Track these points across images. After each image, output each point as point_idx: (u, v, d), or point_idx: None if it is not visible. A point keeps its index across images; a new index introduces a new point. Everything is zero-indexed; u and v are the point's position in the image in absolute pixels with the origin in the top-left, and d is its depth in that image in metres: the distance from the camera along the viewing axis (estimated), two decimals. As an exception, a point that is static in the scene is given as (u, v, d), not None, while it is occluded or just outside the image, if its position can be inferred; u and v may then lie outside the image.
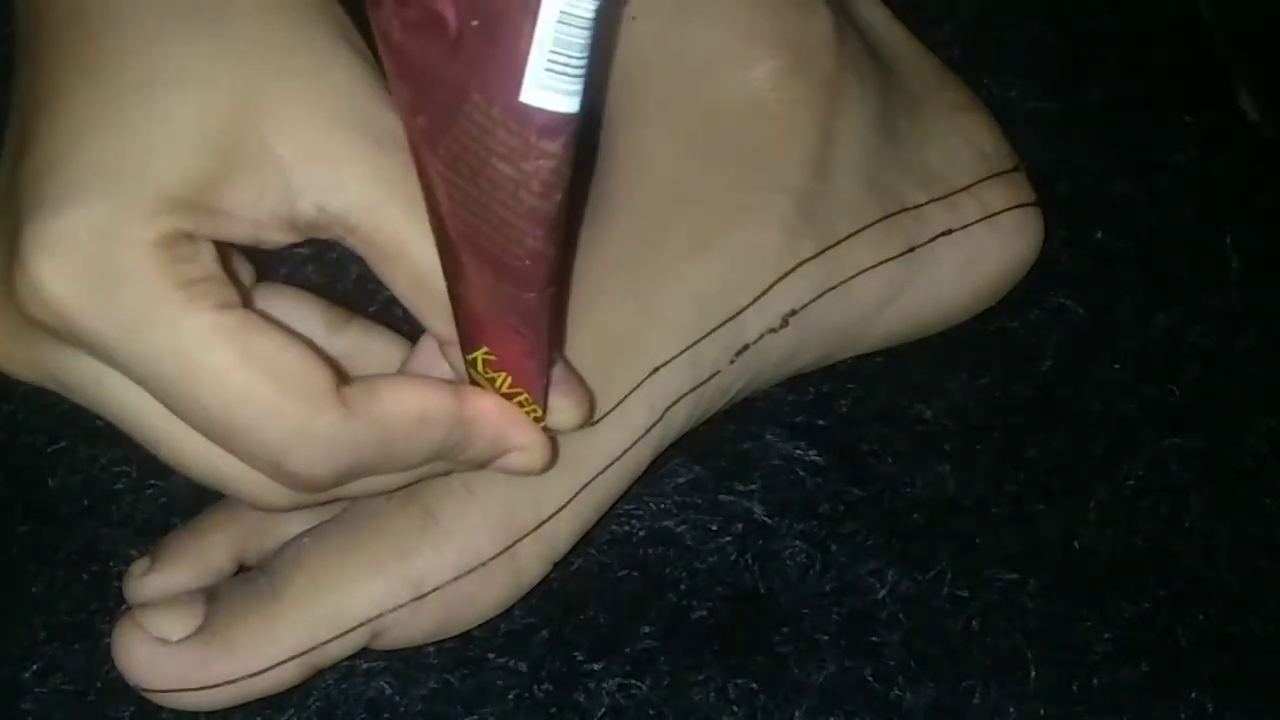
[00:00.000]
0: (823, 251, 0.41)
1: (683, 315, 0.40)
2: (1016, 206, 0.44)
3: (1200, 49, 0.54)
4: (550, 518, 0.39)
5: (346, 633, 0.37)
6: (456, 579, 0.38)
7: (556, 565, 0.40)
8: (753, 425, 0.45)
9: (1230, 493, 0.45)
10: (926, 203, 0.43)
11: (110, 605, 0.42)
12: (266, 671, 0.37)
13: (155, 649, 0.37)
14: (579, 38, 0.28)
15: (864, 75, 0.42)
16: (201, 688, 0.37)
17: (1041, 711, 0.42)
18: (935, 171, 0.43)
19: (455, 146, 0.29)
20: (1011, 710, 0.42)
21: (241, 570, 0.40)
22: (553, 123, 0.28)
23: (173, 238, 0.30)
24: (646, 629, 0.42)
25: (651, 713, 0.41)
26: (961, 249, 0.43)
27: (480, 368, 0.34)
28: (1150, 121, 0.51)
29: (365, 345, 0.39)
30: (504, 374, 0.34)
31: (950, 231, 0.43)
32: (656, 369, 0.40)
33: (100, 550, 0.43)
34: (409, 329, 0.47)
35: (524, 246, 0.31)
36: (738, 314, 0.40)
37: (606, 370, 0.39)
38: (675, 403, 0.40)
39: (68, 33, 0.31)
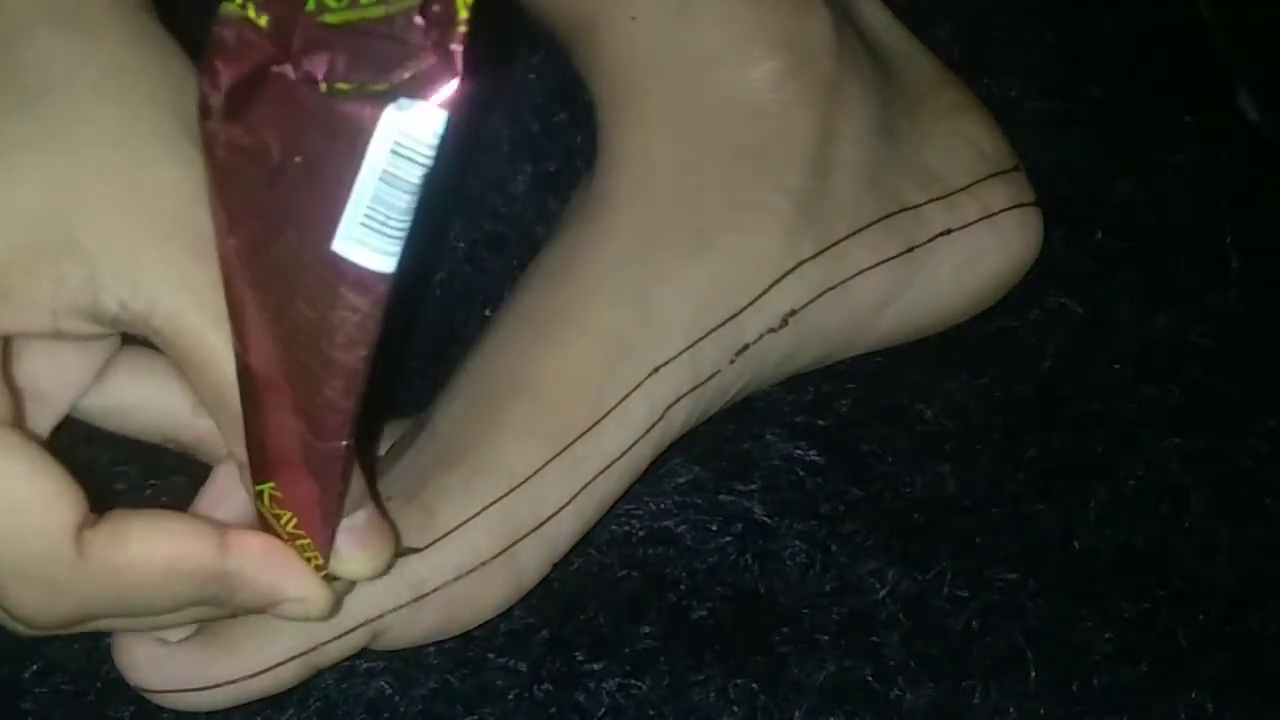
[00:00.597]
0: (822, 251, 0.41)
1: (683, 315, 0.40)
2: (1016, 206, 0.44)
3: (1200, 49, 0.54)
4: (550, 518, 0.39)
5: (346, 633, 0.37)
6: (456, 579, 0.38)
7: (556, 565, 0.40)
8: (753, 425, 0.45)
9: (1230, 493, 0.45)
10: (926, 203, 0.43)
11: (110, 605, 0.42)
12: (266, 672, 0.37)
13: (155, 649, 0.37)
14: (401, 200, 0.27)
15: (863, 75, 0.42)
16: (201, 688, 0.37)
17: (1041, 711, 0.42)
18: (935, 171, 0.43)
19: (265, 277, 0.28)
20: (1011, 710, 0.42)
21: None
22: (363, 278, 0.27)
23: None
24: (646, 629, 0.42)
25: (651, 713, 0.41)
26: (961, 249, 0.44)
27: (267, 502, 0.32)
28: (1150, 121, 0.51)
29: None
30: (290, 514, 0.32)
31: (950, 231, 0.43)
32: (657, 369, 0.40)
33: (100, 550, 0.43)
34: (404, 331, 0.47)
35: (321, 395, 0.29)
36: (738, 314, 0.41)
37: (607, 370, 0.40)
38: (675, 402, 0.40)
39: None
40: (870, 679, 0.42)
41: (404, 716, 0.41)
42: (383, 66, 0.26)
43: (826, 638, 0.42)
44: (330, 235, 0.27)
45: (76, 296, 0.30)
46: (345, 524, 0.33)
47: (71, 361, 0.34)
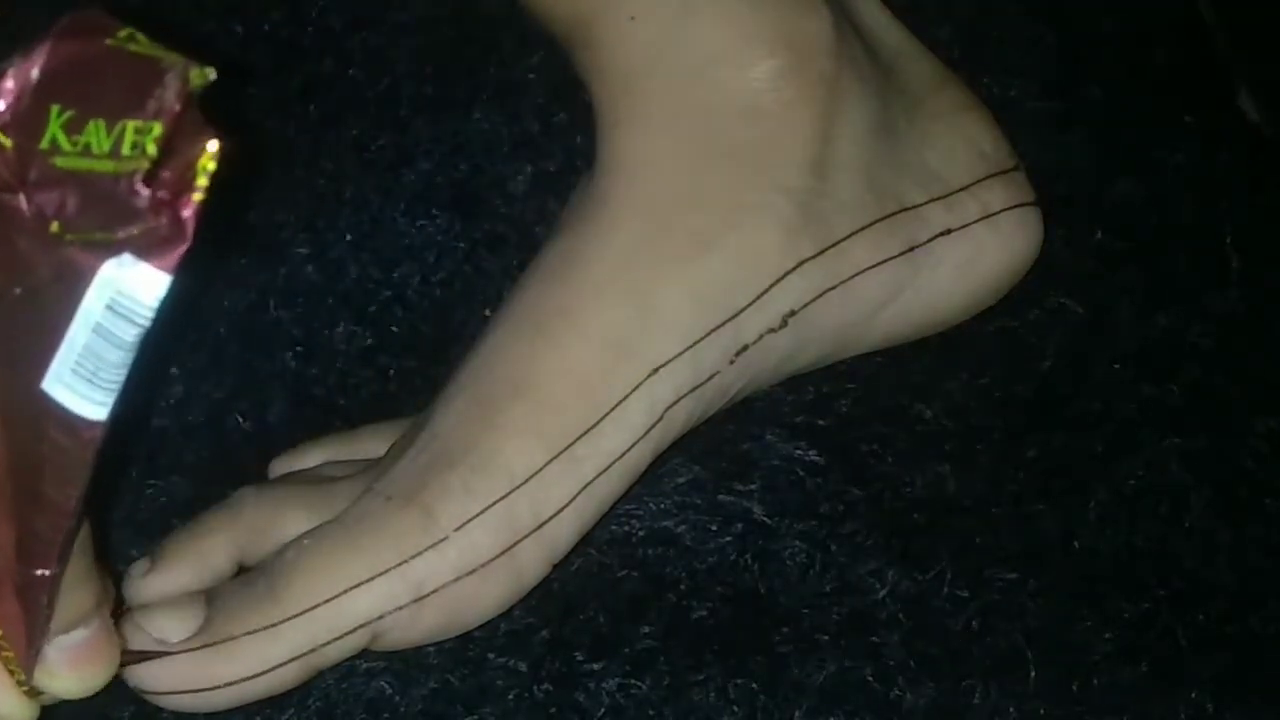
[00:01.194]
0: (822, 251, 0.41)
1: (682, 316, 0.40)
2: (1016, 206, 0.44)
3: (1200, 49, 0.54)
4: (550, 518, 0.39)
5: (346, 634, 0.37)
6: (456, 580, 0.38)
7: (557, 566, 0.40)
8: (753, 425, 0.45)
9: (1230, 493, 0.45)
10: (926, 202, 0.43)
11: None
12: (266, 673, 0.37)
13: (155, 650, 0.37)
14: (114, 355, 0.26)
15: (863, 75, 0.42)
16: (201, 689, 0.37)
17: (1041, 711, 0.42)
18: (935, 171, 0.43)
19: None
20: (1011, 710, 0.42)
21: (241, 572, 0.40)
22: (72, 422, 0.27)
23: None
24: (646, 629, 0.42)
25: (651, 713, 0.41)
26: (961, 248, 0.43)
27: None
28: (1150, 121, 0.51)
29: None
30: None
31: (950, 231, 0.43)
32: (656, 369, 0.40)
33: (100, 550, 0.43)
34: (405, 331, 0.47)
35: (31, 523, 0.29)
36: (737, 314, 0.41)
37: (607, 370, 0.40)
38: (675, 403, 0.40)
39: None
40: (870, 679, 0.42)
41: (404, 716, 0.41)
42: (111, 219, 0.25)
43: (826, 638, 0.42)
44: (40, 374, 0.26)
45: None
46: (63, 640, 0.33)
47: None
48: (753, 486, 0.44)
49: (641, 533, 0.44)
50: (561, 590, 0.42)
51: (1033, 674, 0.42)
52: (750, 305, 0.41)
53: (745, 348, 0.41)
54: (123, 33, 0.26)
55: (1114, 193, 0.50)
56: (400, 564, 0.38)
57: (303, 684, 0.38)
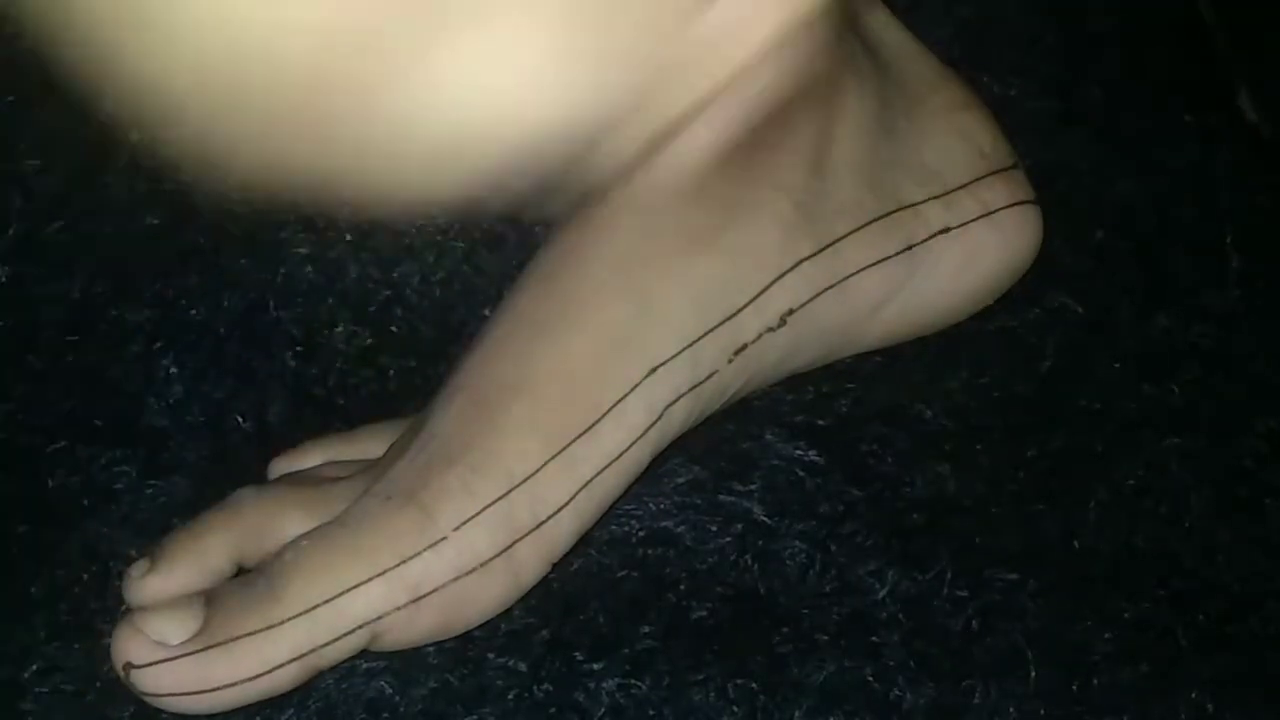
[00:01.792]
0: (821, 250, 0.41)
1: (681, 315, 0.40)
2: (1015, 204, 0.44)
3: (1200, 49, 0.54)
4: (549, 518, 0.39)
5: (345, 635, 0.37)
6: (455, 580, 0.38)
7: (555, 565, 0.40)
8: (752, 425, 0.45)
9: (1230, 493, 0.45)
10: (925, 201, 0.43)
11: (110, 605, 0.42)
12: (266, 674, 0.37)
13: (155, 652, 0.37)
14: None
15: (862, 74, 0.42)
16: (200, 691, 0.37)
17: (1041, 711, 0.42)
18: (934, 170, 0.43)
19: None
20: (1011, 710, 0.42)
21: (240, 572, 0.40)
22: None
23: None
24: (646, 629, 0.42)
25: (651, 713, 0.41)
26: (960, 247, 0.44)
27: None
28: (1150, 121, 0.51)
29: None
30: None
31: (949, 230, 0.43)
32: (655, 369, 0.40)
33: (100, 550, 0.43)
34: (405, 331, 0.47)
35: None
36: (736, 313, 0.40)
37: (605, 370, 0.39)
38: (674, 402, 0.40)
39: None
40: (870, 679, 0.42)
41: (404, 716, 0.41)
42: None
43: (826, 638, 0.42)
44: None
45: None
46: None
47: None
48: (753, 486, 0.44)
49: (641, 533, 0.44)
50: (561, 590, 0.42)
51: (1033, 674, 0.42)
52: (749, 304, 0.41)
53: (744, 347, 0.41)
54: None
55: (1114, 192, 0.50)
56: (399, 564, 0.38)
57: (302, 684, 0.38)
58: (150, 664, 0.37)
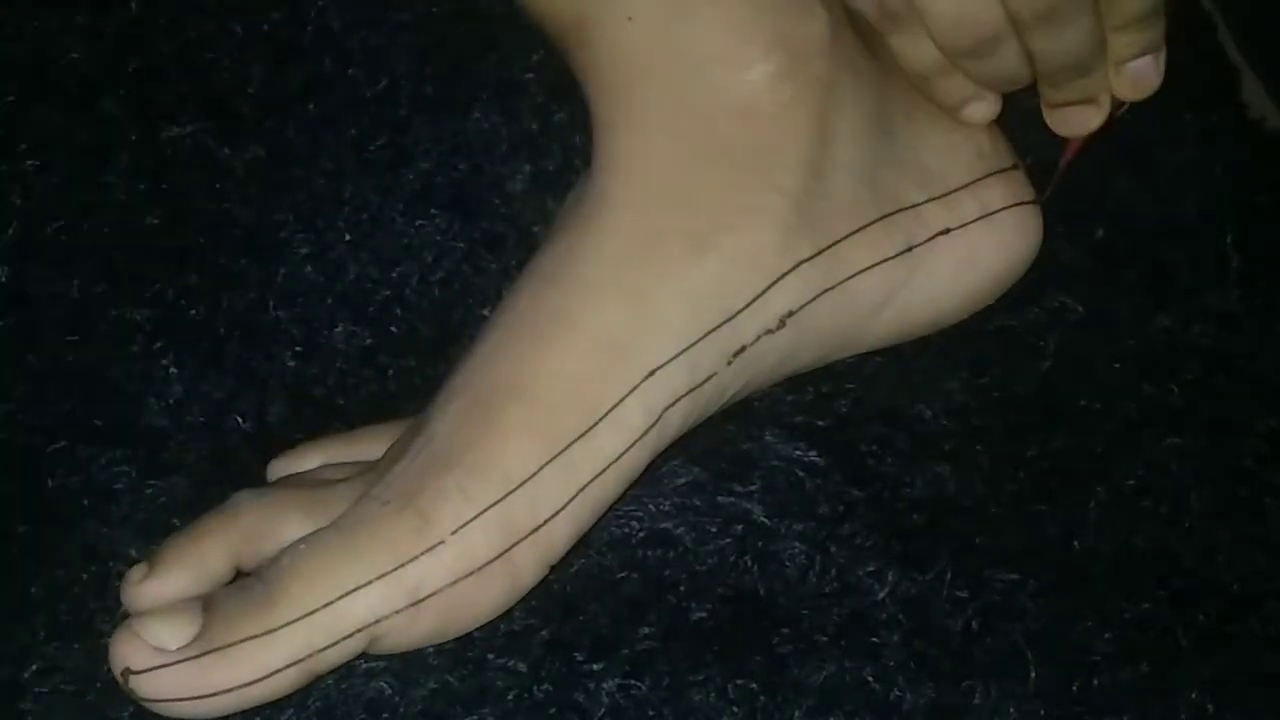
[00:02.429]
0: (820, 252, 0.41)
1: (679, 317, 0.40)
2: (1015, 205, 0.44)
3: (1200, 48, 0.54)
4: (547, 521, 0.39)
5: (343, 639, 0.37)
6: (453, 583, 0.38)
7: (554, 568, 0.40)
8: (752, 426, 0.45)
9: (1230, 493, 0.45)
10: (924, 202, 0.43)
11: (110, 605, 0.42)
12: (264, 679, 0.37)
13: (153, 657, 0.37)
14: None
15: (860, 75, 0.42)
16: (199, 696, 0.37)
17: (1041, 711, 0.42)
18: (933, 170, 0.43)
19: None
20: (1011, 710, 0.42)
21: (239, 576, 0.40)
22: None
23: None
24: (646, 630, 0.42)
25: (651, 713, 0.41)
26: (960, 248, 0.43)
27: None
28: (1151, 120, 0.51)
29: None
30: None
31: (948, 230, 0.43)
32: (653, 371, 0.40)
33: (100, 550, 0.43)
34: (404, 331, 0.47)
35: None
36: (735, 316, 0.40)
37: (603, 373, 0.39)
38: (672, 405, 0.40)
39: None
40: (870, 679, 0.42)
41: (404, 717, 0.41)
42: None
43: (826, 638, 0.42)
44: None
45: None
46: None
47: None
48: (753, 487, 0.44)
49: (641, 534, 0.44)
50: (561, 591, 0.42)
51: (1033, 674, 0.42)
52: (747, 307, 0.41)
53: (743, 349, 0.41)
54: None
55: (1115, 191, 0.50)
56: (396, 568, 0.38)
57: (301, 687, 0.38)
58: (148, 669, 0.37)
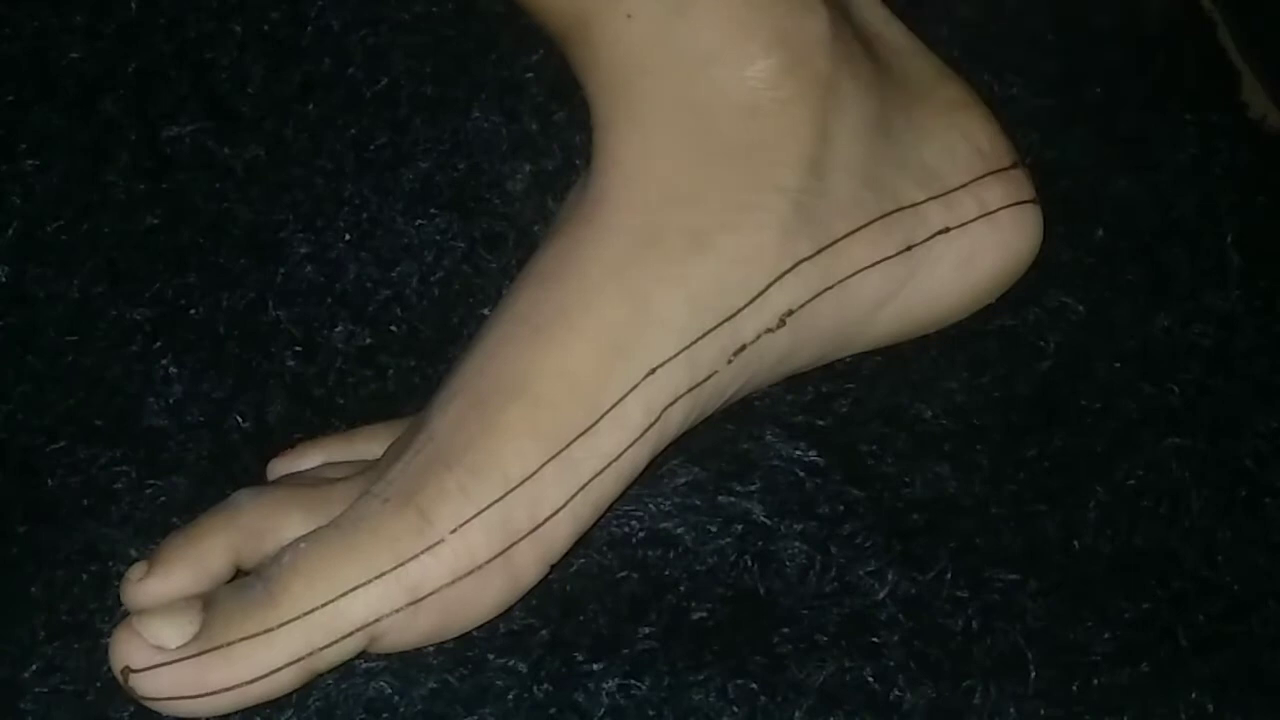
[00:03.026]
0: (820, 251, 0.41)
1: (679, 316, 0.40)
2: (1015, 204, 0.44)
3: (1200, 48, 0.54)
4: (547, 520, 0.39)
5: (343, 638, 0.37)
6: (453, 583, 0.38)
7: (554, 567, 0.40)
8: (752, 425, 0.45)
9: (1230, 493, 0.45)
10: (924, 201, 0.43)
11: (110, 605, 0.42)
12: (264, 678, 0.37)
13: (152, 657, 0.37)
14: None
15: (860, 73, 0.42)
16: (199, 695, 0.37)
17: (1041, 711, 0.42)
18: (933, 169, 0.43)
19: None
20: (1011, 710, 0.42)
21: (239, 575, 0.40)
22: None
23: None
24: (646, 630, 0.42)
25: (651, 713, 0.41)
26: (960, 247, 0.43)
27: None
28: (1151, 120, 0.51)
29: None
30: None
31: (948, 230, 0.43)
32: (653, 370, 0.40)
33: (100, 550, 0.43)
34: (404, 330, 0.47)
35: None
36: (735, 314, 0.40)
37: (603, 371, 0.39)
38: (672, 404, 0.40)
39: None
40: (870, 679, 0.42)
41: (404, 717, 0.41)
42: None
43: (826, 638, 0.42)
44: None
45: None
46: None
47: None
48: (753, 487, 0.44)
49: (641, 534, 0.44)
50: (561, 591, 0.42)
51: (1033, 674, 0.42)
52: (747, 305, 0.41)
53: (743, 348, 0.41)
54: None
55: (1114, 191, 0.50)
56: (396, 567, 0.38)
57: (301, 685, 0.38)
58: (148, 668, 0.37)
